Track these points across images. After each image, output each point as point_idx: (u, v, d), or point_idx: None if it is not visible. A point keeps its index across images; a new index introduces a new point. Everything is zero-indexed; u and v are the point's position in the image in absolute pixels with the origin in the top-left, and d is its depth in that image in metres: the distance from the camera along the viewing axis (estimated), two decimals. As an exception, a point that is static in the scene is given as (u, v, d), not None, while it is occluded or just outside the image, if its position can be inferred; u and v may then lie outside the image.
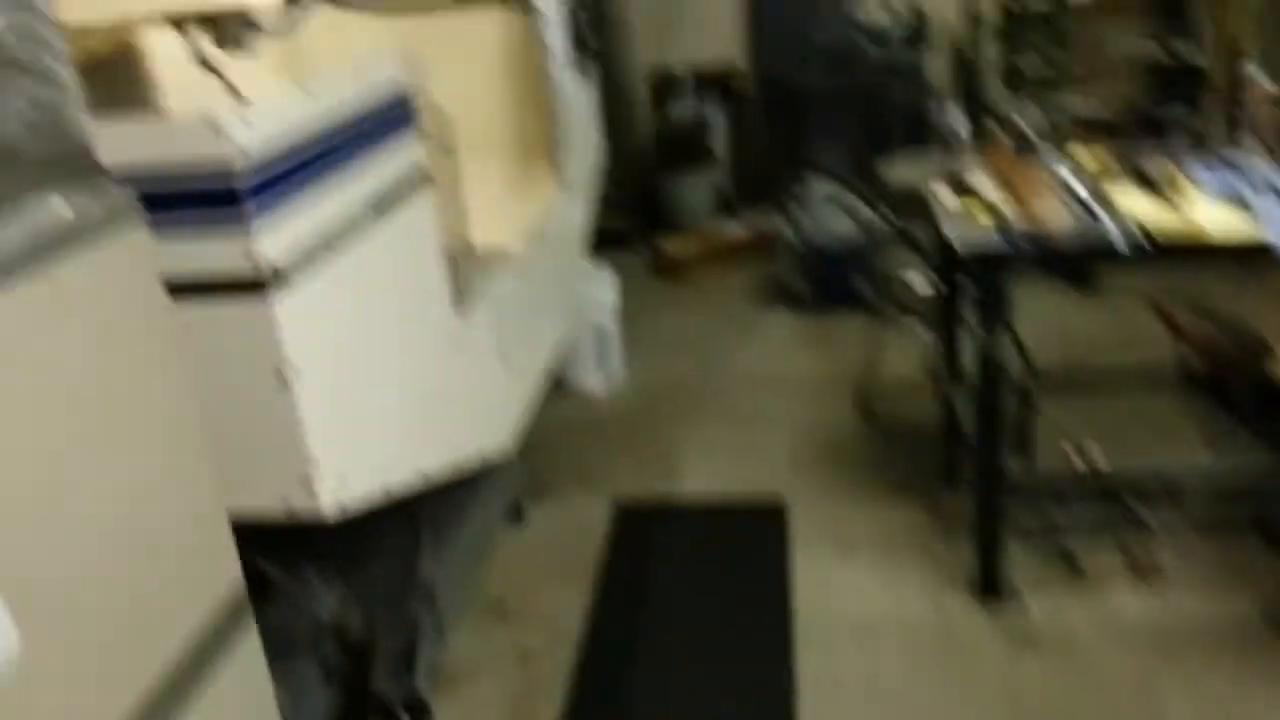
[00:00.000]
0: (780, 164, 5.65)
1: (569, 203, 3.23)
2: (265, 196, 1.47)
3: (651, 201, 5.84)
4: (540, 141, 3.24)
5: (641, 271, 5.46)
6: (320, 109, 1.64)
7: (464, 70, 3.46)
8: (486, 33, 3.42)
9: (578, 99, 3.43)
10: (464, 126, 3.55)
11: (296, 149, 1.55)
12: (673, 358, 4.50)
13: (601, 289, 4.19)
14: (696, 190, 5.79)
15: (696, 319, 4.90)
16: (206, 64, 2.51)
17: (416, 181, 1.98)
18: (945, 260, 3.12)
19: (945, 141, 3.36)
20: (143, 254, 1.21)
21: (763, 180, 5.79)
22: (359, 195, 1.75)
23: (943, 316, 3.31)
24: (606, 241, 5.43)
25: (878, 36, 5.24)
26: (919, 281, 3.71)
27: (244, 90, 3.05)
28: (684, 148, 5.79)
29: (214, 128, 1.39)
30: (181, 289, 1.45)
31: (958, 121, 3.40)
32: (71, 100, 1.12)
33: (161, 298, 1.23)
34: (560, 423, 3.87)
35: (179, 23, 2.40)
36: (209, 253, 1.45)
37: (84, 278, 1.12)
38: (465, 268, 2.32)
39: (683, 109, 5.86)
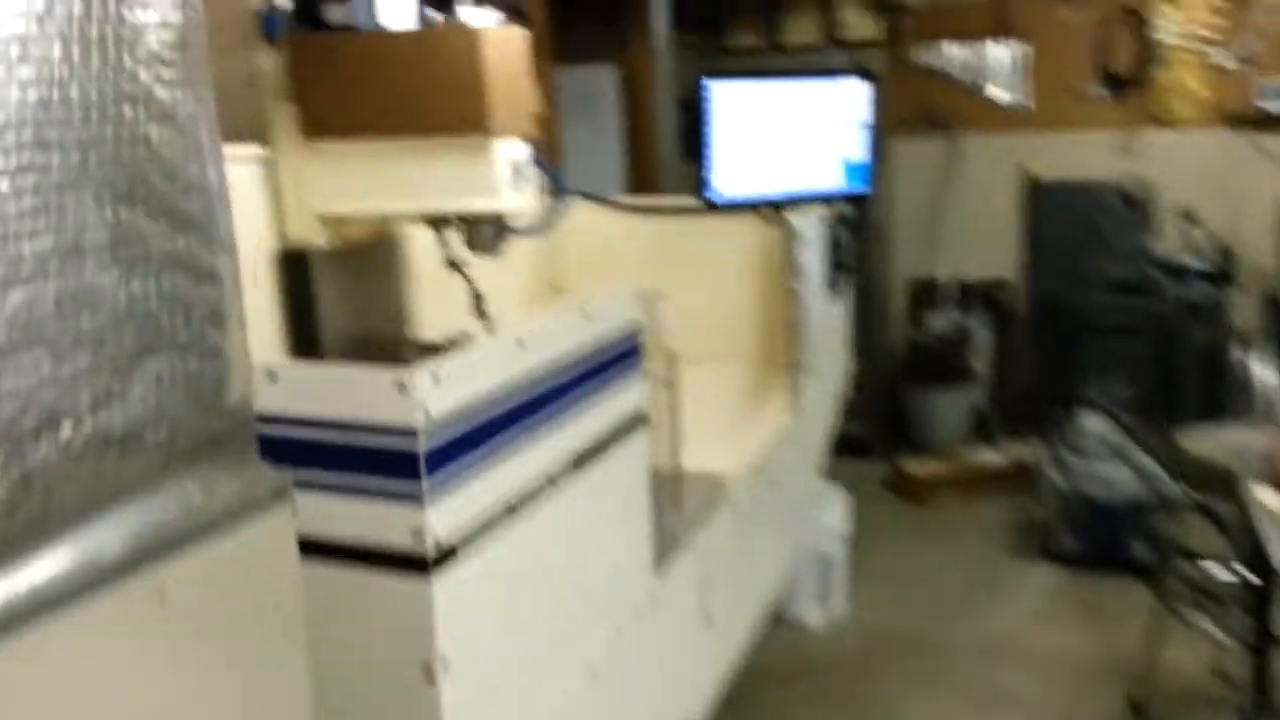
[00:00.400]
0: (1049, 392, 5.14)
1: (804, 430, 2.95)
2: (448, 466, 1.29)
3: (898, 414, 5.46)
4: (780, 362, 3.01)
5: (878, 490, 5.04)
6: (530, 362, 1.46)
7: (710, 279, 3.33)
8: (739, 243, 3.28)
9: (827, 320, 3.19)
10: (701, 336, 3.39)
11: (493, 408, 1.38)
12: (905, 599, 4.02)
13: (832, 513, 3.83)
14: (949, 408, 5.36)
15: (938, 556, 4.40)
16: (454, 266, 2.49)
17: (630, 427, 1.77)
18: (1257, 558, 2.56)
19: (1250, 397, 2.85)
20: (281, 540, 1.03)
21: (1027, 407, 5.28)
22: (560, 453, 1.55)
23: (1249, 621, 2.71)
24: (843, 450, 5.09)
25: (1175, 270, 4.72)
26: (1219, 570, 3.10)
27: (496, 284, 3.05)
28: (940, 362, 5.41)
29: (399, 387, 1.23)
30: (330, 550, 1.29)
31: (1268, 376, 2.89)
32: (232, 371, 0.99)
33: (294, 587, 1.05)
34: (766, 658, 3.48)
35: (437, 221, 2.39)
36: (371, 519, 1.28)
37: (205, 573, 0.95)
38: (672, 513, 2.07)
39: (943, 321, 5.51)
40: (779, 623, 3.70)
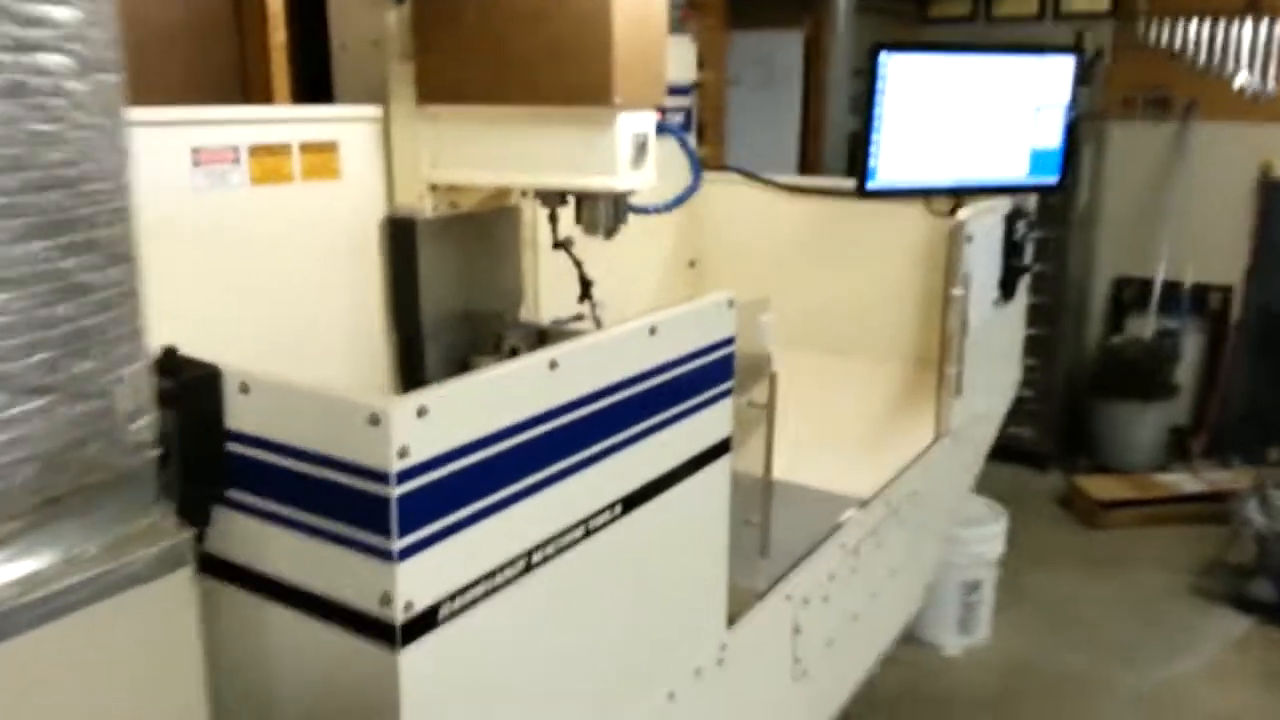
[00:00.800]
0: (1263, 417, 4.40)
1: (951, 453, 2.53)
2: (435, 516, 1.03)
3: (1082, 425, 4.83)
4: (929, 373, 2.60)
5: (1049, 506, 4.48)
6: (565, 389, 1.18)
7: (865, 269, 2.94)
8: (901, 234, 2.87)
9: (994, 330, 2.73)
10: (846, 329, 3.01)
11: (508, 445, 1.11)
12: (1060, 632, 3.52)
13: (983, 534, 3.37)
14: (1143, 424, 4.69)
15: (1106, 587, 3.84)
16: (562, 245, 2.23)
17: (705, 461, 1.46)
18: None
19: None
20: (170, 621, 0.81)
21: (1234, 431, 4.55)
22: (602, 496, 1.26)
23: None
24: (1013, 457, 4.55)
25: None
26: None
27: (628, 261, 2.78)
28: (1138, 371, 4.73)
29: (371, 419, 0.98)
30: (296, 597, 1.07)
31: None
32: (112, 411, 0.76)
33: (190, 679, 0.83)
34: (890, 683, 3.11)
35: (548, 196, 2.15)
36: (337, 569, 1.04)
37: (42, 664, 0.74)
38: (757, 554, 1.75)
39: (1147, 326, 4.82)
40: (910, 642, 3.31)
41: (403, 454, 0.99)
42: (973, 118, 2.65)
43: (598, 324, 2.25)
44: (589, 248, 2.24)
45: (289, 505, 1.05)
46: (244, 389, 1.07)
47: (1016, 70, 2.63)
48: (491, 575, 1.12)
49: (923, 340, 2.91)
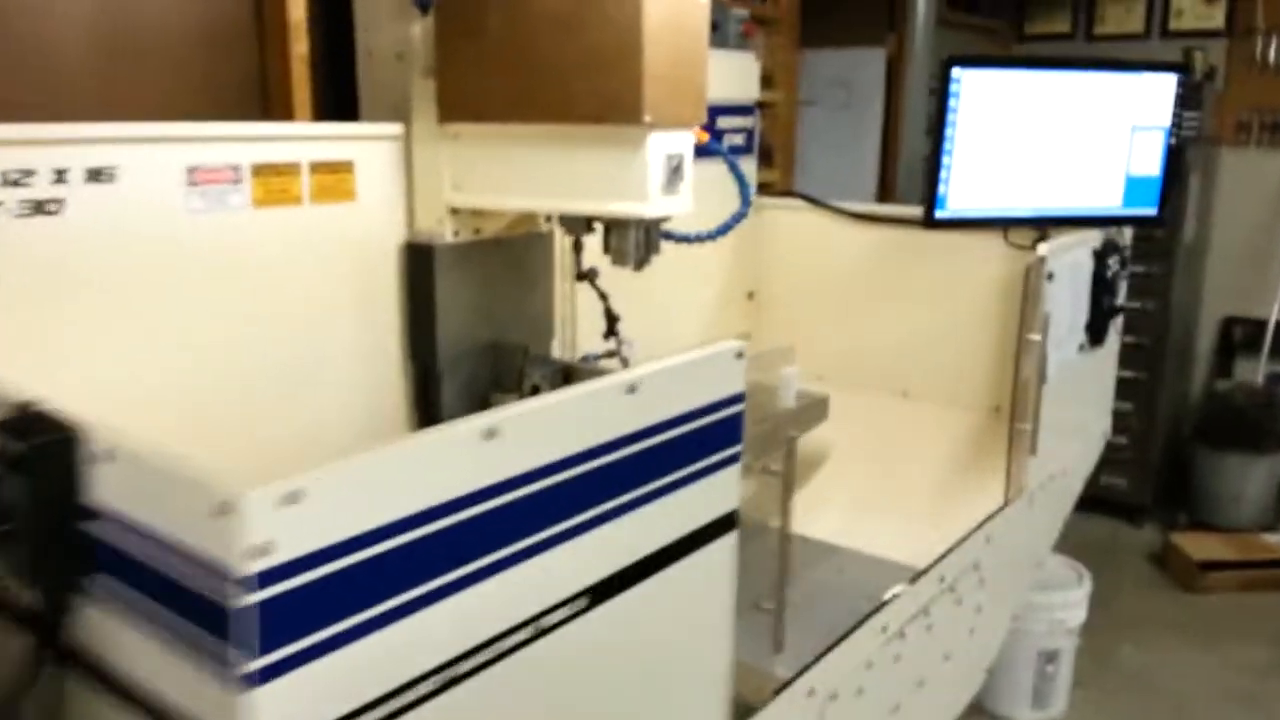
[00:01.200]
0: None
1: (1023, 519, 2.21)
2: (304, 622, 0.81)
3: (1182, 477, 4.37)
4: (1005, 423, 2.27)
5: (1142, 564, 4.04)
6: (507, 464, 0.94)
7: (935, 305, 2.64)
8: (976, 268, 2.56)
9: (1079, 379, 2.40)
10: (911, 369, 2.69)
11: (421, 534, 0.88)
12: (1147, 710, 3.11)
13: (1066, 604, 2.99)
14: (1250, 478, 4.20)
15: (1203, 660, 3.40)
16: (585, 277, 2.01)
17: (700, 542, 1.21)
18: None
19: None
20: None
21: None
22: (556, 590, 1.02)
23: None
24: (1106, 509, 4.15)
25: None
26: None
27: (678, 292, 2.54)
28: (1247, 420, 4.25)
29: (220, 508, 0.76)
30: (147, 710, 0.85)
31: None
32: None
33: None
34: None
35: (573, 223, 1.92)
36: (188, 685, 0.82)
37: None
38: (769, 650, 1.48)
39: (1257, 371, 4.34)
40: (978, 715, 2.97)
41: (263, 551, 0.76)
42: (1059, 141, 2.33)
43: (624, 363, 2.01)
44: (630, 278, 2.00)
45: (147, 600, 0.85)
46: (107, 456, 0.86)
47: (1109, 89, 2.30)
48: (397, 694, 0.88)
49: (999, 386, 2.58)
